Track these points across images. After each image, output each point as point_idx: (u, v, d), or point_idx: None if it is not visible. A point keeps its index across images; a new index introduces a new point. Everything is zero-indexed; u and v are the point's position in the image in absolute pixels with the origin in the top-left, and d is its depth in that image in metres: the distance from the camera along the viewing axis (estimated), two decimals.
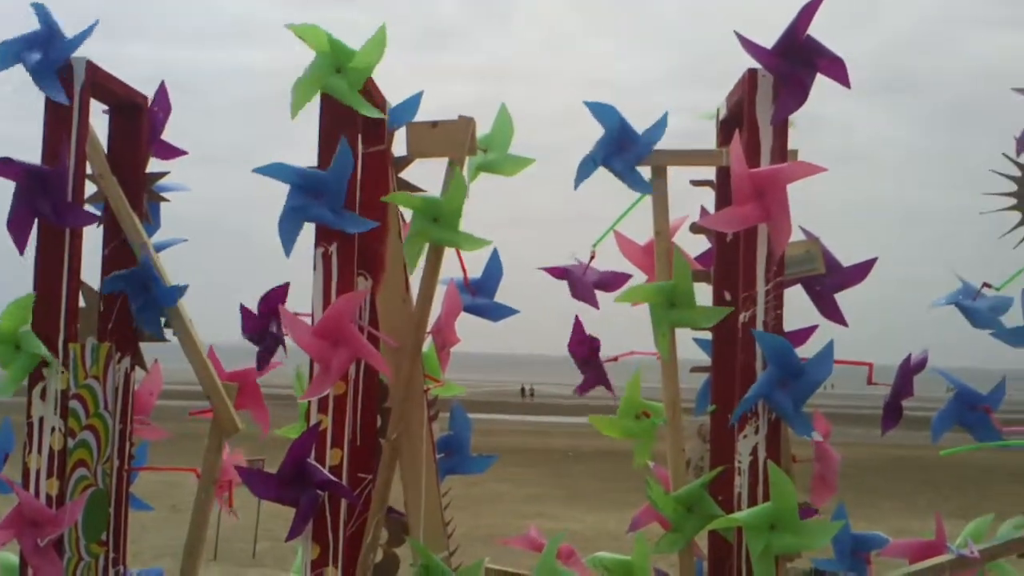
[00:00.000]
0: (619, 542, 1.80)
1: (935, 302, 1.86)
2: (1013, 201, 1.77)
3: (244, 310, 1.77)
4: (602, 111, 1.72)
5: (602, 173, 1.75)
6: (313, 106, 1.58)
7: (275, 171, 1.55)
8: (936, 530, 1.79)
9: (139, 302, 1.74)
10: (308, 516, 1.54)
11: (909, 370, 1.72)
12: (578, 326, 1.84)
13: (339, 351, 1.50)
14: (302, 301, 1.63)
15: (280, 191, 1.56)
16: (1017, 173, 1.77)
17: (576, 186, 1.71)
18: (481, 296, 1.84)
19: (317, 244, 1.56)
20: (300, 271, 1.62)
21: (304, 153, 1.61)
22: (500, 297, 1.86)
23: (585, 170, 1.72)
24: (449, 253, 1.70)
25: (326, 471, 1.51)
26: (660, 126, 1.73)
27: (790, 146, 1.64)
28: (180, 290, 1.77)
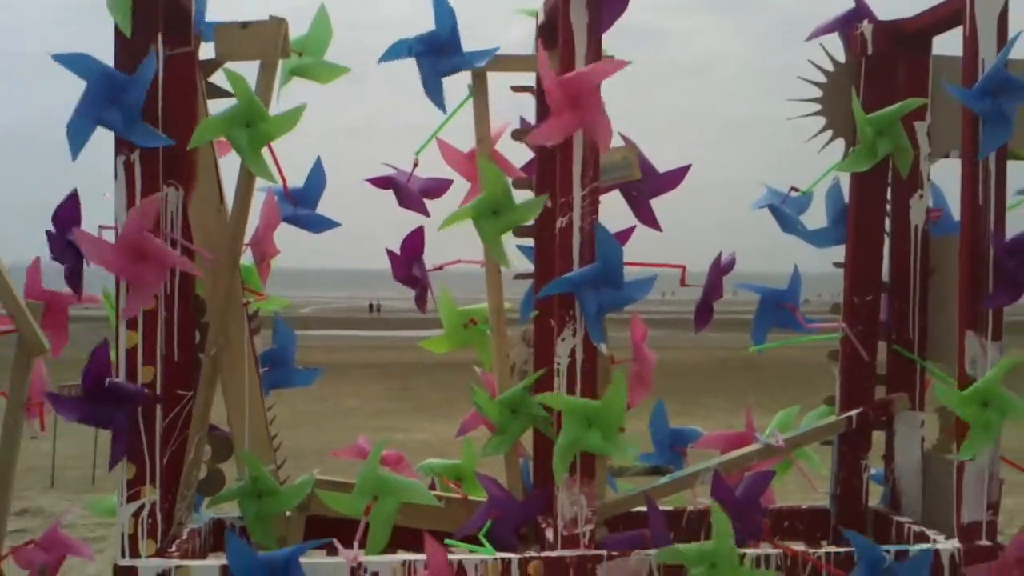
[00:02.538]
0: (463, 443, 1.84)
1: (752, 205, 1.93)
2: (818, 107, 1.84)
3: (50, 234, 1.66)
4: (441, 9, 1.68)
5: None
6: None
7: (75, 62, 1.44)
8: (746, 422, 1.89)
9: None
10: (124, 435, 1.49)
11: (718, 271, 1.78)
12: (393, 257, 1.81)
13: (147, 265, 1.44)
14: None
15: None
16: (822, 79, 1.84)
17: (381, 60, 1.68)
18: (303, 207, 1.79)
19: (118, 152, 1.48)
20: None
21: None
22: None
23: (396, 51, 1.69)
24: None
25: (134, 386, 1.46)
26: (485, 54, 1.71)
27: (617, 55, 1.65)
28: None
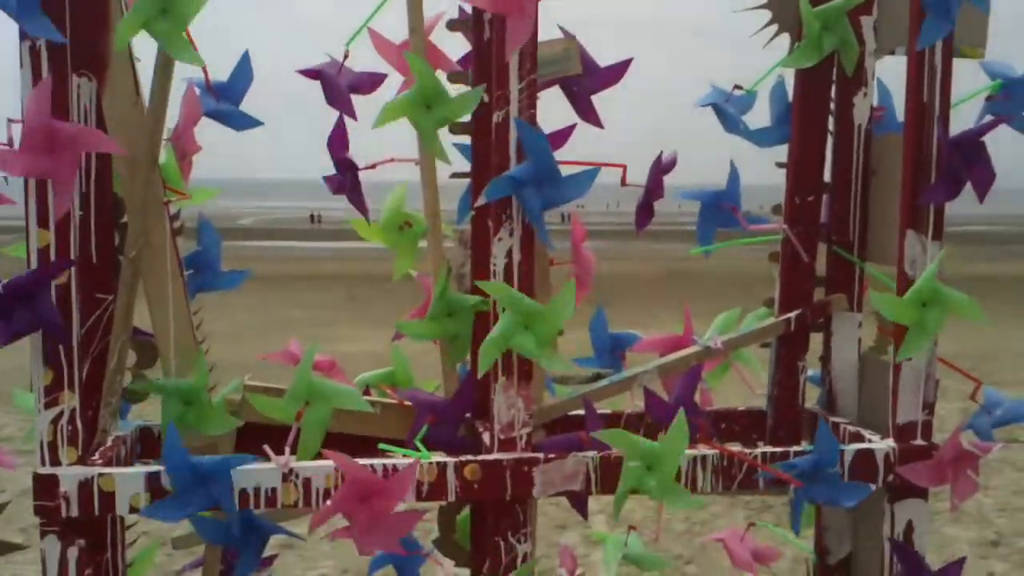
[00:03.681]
0: (425, 356, 1.79)
1: (697, 102, 1.88)
2: (763, 0, 1.79)
3: None
4: None
5: None
6: None
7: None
8: (684, 325, 1.87)
9: None
10: (58, 328, 1.41)
11: (659, 170, 1.74)
12: (341, 124, 1.73)
13: (59, 156, 1.35)
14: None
15: None
16: None
17: None
18: (225, 101, 1.70)
19: (23, 37, 1.38)
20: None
21: None
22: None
23: None
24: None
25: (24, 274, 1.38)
26: None
27: None
28: None
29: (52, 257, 1.42)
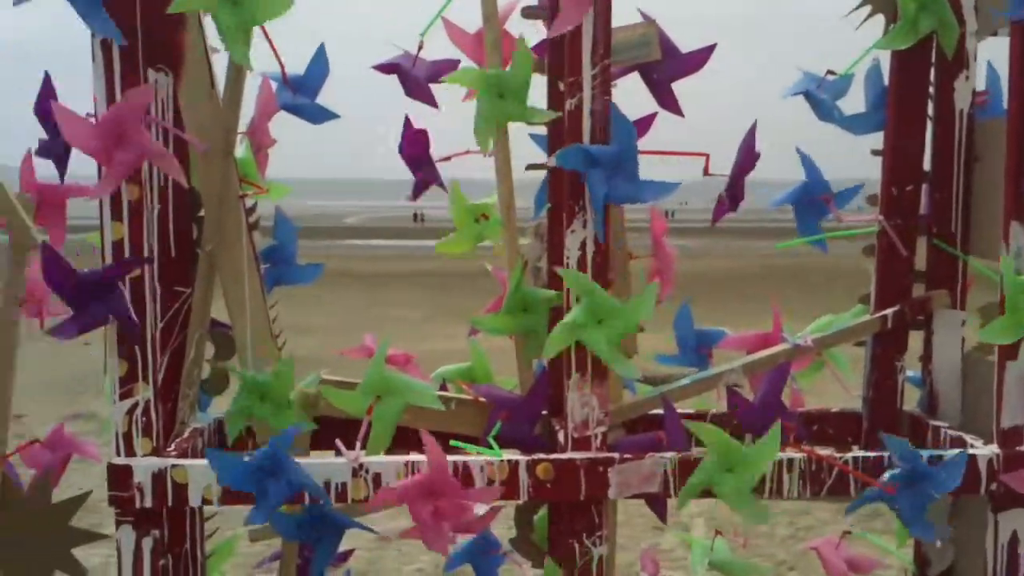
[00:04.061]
0: (506, 354, 1.76)
1: (785, 93, 1.80)
2: None
3: (46, 79, 1.58)
4: None
5: None
6: None
7: None
8: (773, 322, 1.79)
9: None
10: (131, 322, 1.43)
11: (752, 141, 1.64)
12: (408, 124, 1.72)
13: (122, 150, 1.35)
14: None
15: None
16: None
17: None
18: (302, 95, 1.70)
19: (94, 33, 1.39)
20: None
21: None
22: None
23: None
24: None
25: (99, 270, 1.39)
26: None
27: None
28: None
29: (126, 250, 1.43)
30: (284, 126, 1.73)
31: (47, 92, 1.50)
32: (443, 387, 1.80)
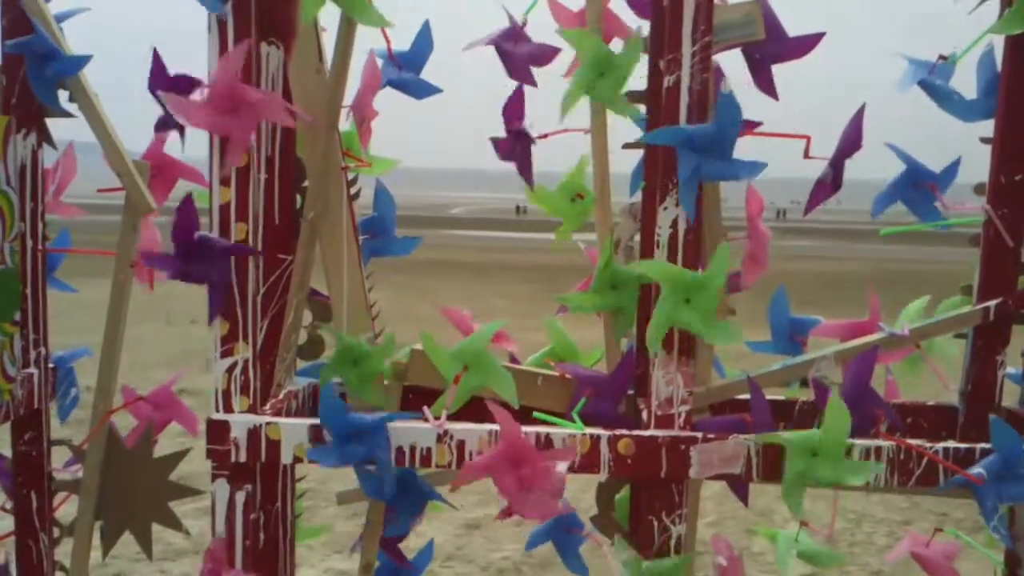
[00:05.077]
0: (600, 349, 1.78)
1: (902, 84, 1.75)
2: None
3: (156, 57, 1.66)
4: None
5: None
6: None
7: None
8: (871, 311, 1.75)
9: (34, 71, 1.65)
10: (222, 289, 1.50)
11: (860, 125, 1.60)
12: (519, 93, 1.74)
13: (240, 117, 1.41)
14: None
15: None
16: None
17: None
18: (407, 71, 1.74)
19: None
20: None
21: None
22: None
23: None
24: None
25: (223, 239, 1.45)
26: None
27: None
28: (83, 60, 1.67)
29: (232, 213, 1.49)
30: (410, 117, 1.78)
31: (158, 69, 1.58)
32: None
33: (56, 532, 1.86)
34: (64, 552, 1.87)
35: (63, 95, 1.72)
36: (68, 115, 1.73)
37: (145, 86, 1.61)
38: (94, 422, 1.75)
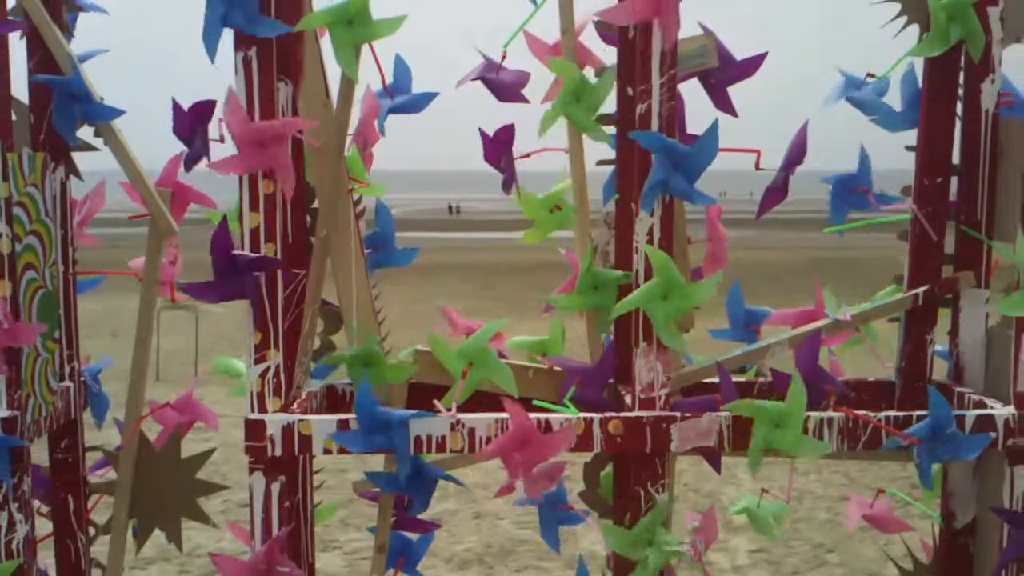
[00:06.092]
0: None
1: (827, 100, 2.00)
2: None
3: (176, 107, 1.84)
4: None
5: None
6: None
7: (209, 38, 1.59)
8: (816, 300, 2.00)
9: (60, 109, 1.81)
10: (258, 299, 1.67)
11: (804, 139, 1.84)
12: (484, 137, 1.95)
13: (270, 149, 1.60)
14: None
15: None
16: None
17: None
18: (399, 94, 1.93)
19: (237, 49, 1.63)
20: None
21: None
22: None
23: None
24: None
25: (257, 255, 1.63)
26: None
27: None
28: (115, 112, 1.84)
29: (261, 235, 1.67)
30: None
31: (180, 119, 1.77)
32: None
33: (91, 531, 2.01)
34: (98, 551, 2.03)
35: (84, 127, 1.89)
36: (93, 149, 1.89)
37: (140, 93, 1.79)
38: (126, 429, 1.92)
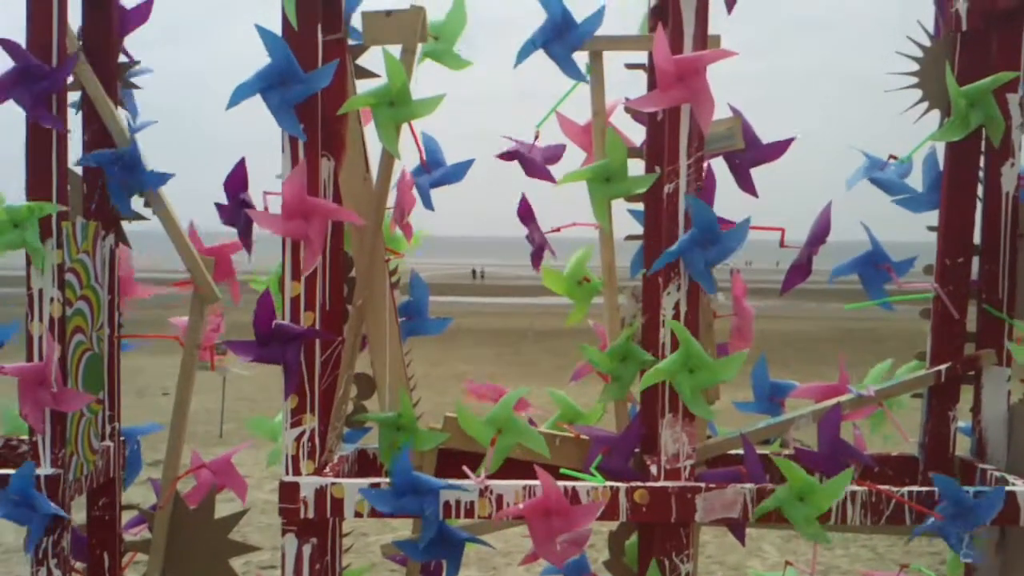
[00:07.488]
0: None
1: (849, 181, 2.05)
2: (915, 80, 1.96)
3: (219, 206, 1.94)
4: None
5: (543, 54, 1.91)
6: None
7: (272, 42, 1.66)
8: (840, 375, 2.03)
9: (114, 181, 1.90)
10: (296, 368, 1.73)
11: (827, 219, 1.89)
12: (523, 201, 2.02)
13: (312, 223, 1.67)
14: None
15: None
16: (919, 54, 1.95)
17: (516, 65, 1.88)
18: (434, 168, 2.00)
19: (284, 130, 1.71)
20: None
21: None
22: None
23: (525, 51, 1.88)
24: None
25: (298, 326, 1.70)
26: (597, 16, 1.89)
27: (716, 32, 1.81)
28: (165, 177, 1.93)
29: (302, 304, 1.73)
30: None
31: (239, 176, 1.85)
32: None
33: None
34: None
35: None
36: (143, 218, 1.97)
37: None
38: (164, 489, 1.97)
